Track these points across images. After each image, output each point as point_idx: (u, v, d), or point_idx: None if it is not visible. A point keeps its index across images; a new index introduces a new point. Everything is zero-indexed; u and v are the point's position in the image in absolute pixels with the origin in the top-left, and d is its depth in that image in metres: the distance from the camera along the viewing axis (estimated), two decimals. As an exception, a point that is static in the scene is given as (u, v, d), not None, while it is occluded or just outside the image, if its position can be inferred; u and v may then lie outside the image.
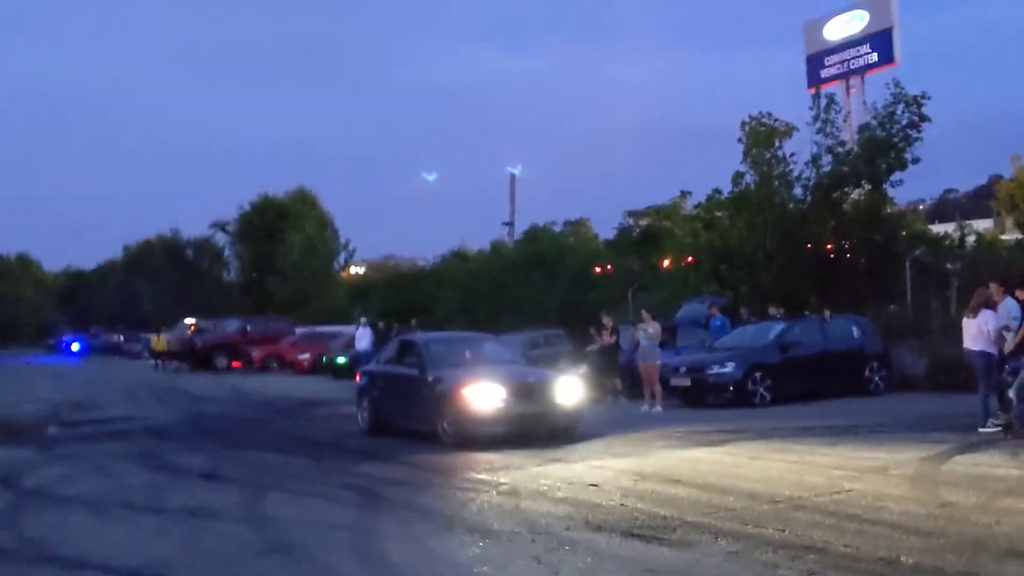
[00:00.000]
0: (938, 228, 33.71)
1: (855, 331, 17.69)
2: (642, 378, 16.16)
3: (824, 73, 35.25)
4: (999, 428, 10.87)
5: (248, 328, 38.24)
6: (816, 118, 23.19)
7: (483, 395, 11.59)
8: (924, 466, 8.87)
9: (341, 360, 28.54)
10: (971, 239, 27.08)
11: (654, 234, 39.76)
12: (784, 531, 6.44)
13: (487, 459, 10.57)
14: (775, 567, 5.59)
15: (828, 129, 23.07)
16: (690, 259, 26.49)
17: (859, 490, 7.78)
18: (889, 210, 23.85)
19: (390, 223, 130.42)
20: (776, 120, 23.92)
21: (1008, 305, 11.66)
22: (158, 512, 8.43)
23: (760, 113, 23.95)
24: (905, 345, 18.72)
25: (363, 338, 26.17)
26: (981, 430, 10.99)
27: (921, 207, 58.74)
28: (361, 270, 63.93)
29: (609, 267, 33.88)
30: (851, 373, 17.01)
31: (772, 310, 19.46)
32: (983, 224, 37.03)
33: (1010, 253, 28.56)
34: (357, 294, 47.87)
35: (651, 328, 16.09)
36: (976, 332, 11.32)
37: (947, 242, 26.15)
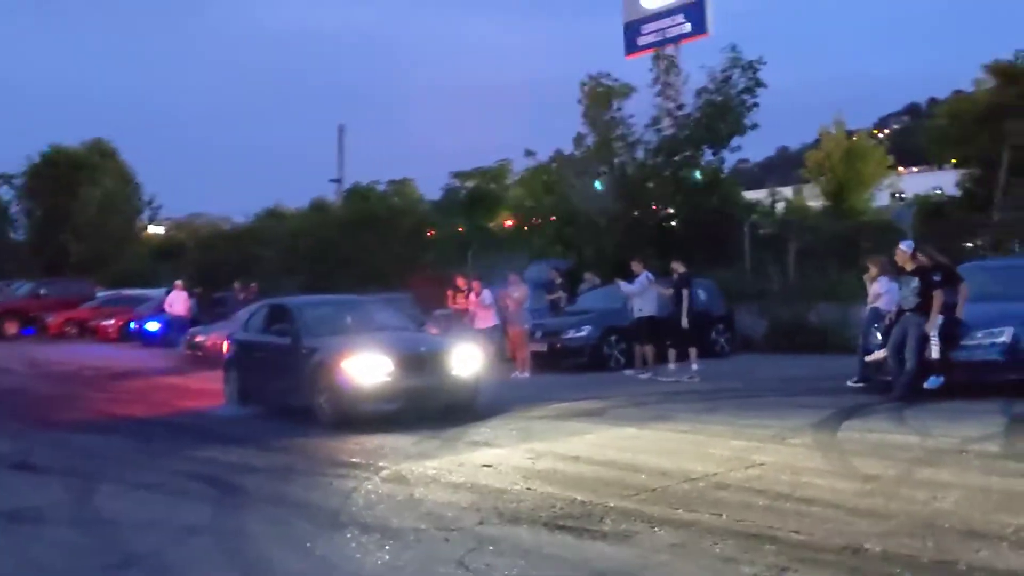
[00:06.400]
0: (751, 195, 35.22)
1: (702, 294, 17.65)
2: (510, 343, 15.42)
3: (640, 41, 35.03)
4: (860, 386, 11.39)
5: (42, 291, 34.66)
6: (656, 80, 23.17)
7: (365, 367, 10.20)
8: (819, 434, 8.56)
9: (152, 326, 26.23)
10: (781, 205, 28.77)
11: (481, 196, 39.26)
12: (720, 515, 5.84)
13: (356, 440, 9.37)
14: (733, 561, 4.95)
15: (668, 92, 23.11)
16: (512, 221, 26.09)
17: (771, 463, 7.34)
18: (723, 175, 24.27)
19: (198, 179, 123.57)
20: (615, 81, 23.83)
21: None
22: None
23: (599, 73, 23.77)
24: (744, 308, 19.02)
25: (177, 302, 24.07)
26: (849, 384, 11.52)
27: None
28: (161, 230, 59.83)
29: (430, 232, 32.96)
30: (699, 335, 16.97)
31: (587, 275, 19.45)
32: (787, 191, 39.11)
33: (818, 220, 30.50)
34: (163, 254, 44.73)
35: (518, 292, 15.33)
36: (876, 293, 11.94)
37: (759, 207, 27.32)
